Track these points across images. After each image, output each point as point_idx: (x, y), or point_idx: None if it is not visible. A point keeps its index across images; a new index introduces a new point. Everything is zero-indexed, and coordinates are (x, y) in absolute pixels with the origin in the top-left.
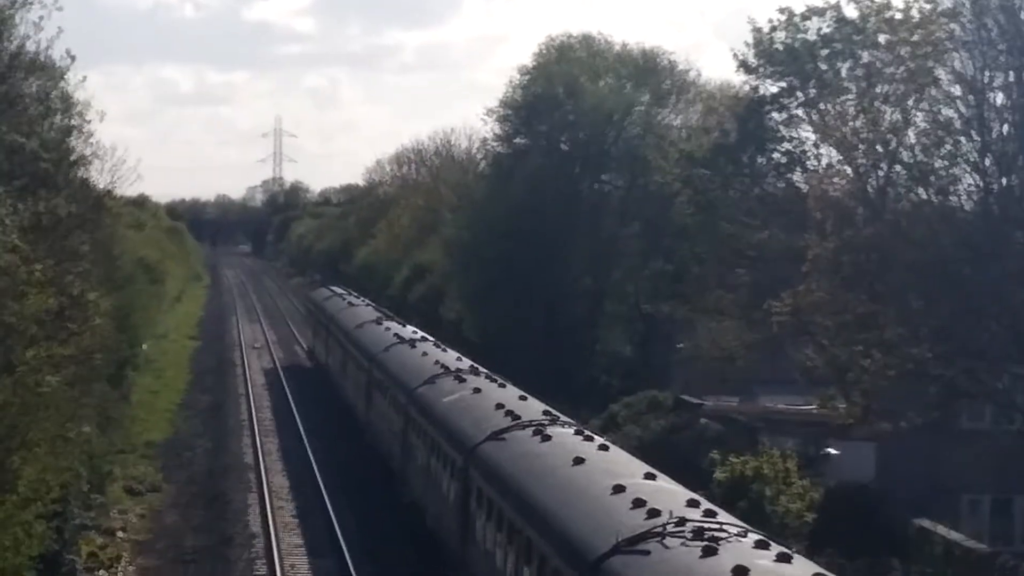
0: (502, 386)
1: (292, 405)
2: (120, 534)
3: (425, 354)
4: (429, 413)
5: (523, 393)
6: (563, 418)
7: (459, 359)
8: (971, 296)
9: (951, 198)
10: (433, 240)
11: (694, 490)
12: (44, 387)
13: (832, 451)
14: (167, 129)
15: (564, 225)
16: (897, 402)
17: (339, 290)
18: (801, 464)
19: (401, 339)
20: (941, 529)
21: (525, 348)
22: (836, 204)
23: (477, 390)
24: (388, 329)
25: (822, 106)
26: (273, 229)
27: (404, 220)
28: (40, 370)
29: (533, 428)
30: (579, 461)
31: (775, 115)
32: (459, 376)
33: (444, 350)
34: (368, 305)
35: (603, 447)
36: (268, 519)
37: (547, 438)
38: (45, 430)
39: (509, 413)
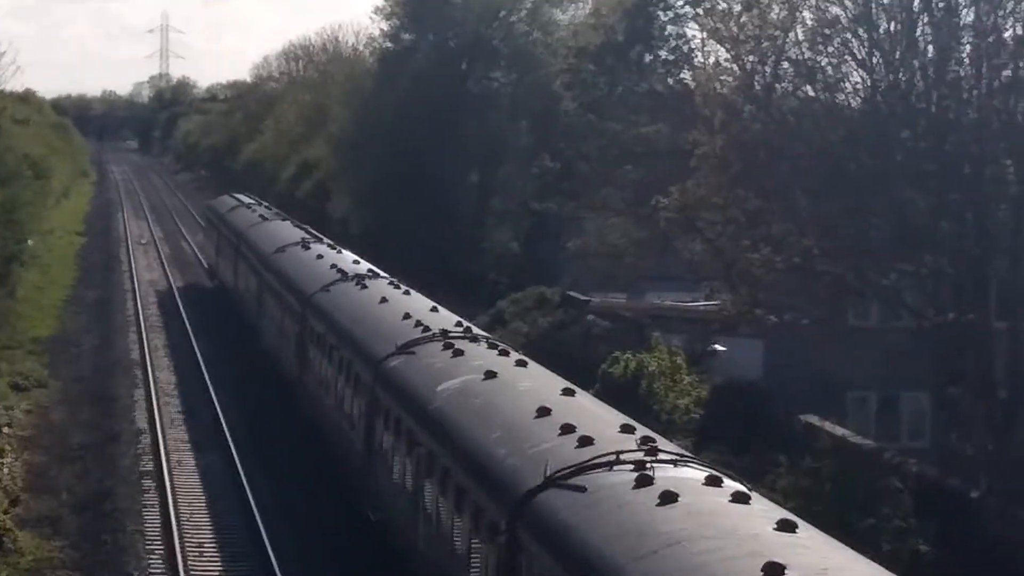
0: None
1: (178, 302)
2: (6, 430)
3: (384, 299)
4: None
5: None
6: (476, 330)
7: (435, 310)
8: (858, 193)
9: (838, 95)
10: (320, 137)
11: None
12: None
13: (719, 348)
14: (54, 24)
15: (451, 122)
16: (784, 297)
17: (245, 199)
18: (688, 361)
19: (344, 275)
20: (828, 425)
21: (412, 245)
22: (723, 101)
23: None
24: (321, 257)
25: (708, 4)
26: (160, 126)
27: (291, 116)
28: None
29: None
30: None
31: (662, 13)
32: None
33: (398, 287)
34: (286, 220)
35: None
36: (154, 415)
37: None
38: None
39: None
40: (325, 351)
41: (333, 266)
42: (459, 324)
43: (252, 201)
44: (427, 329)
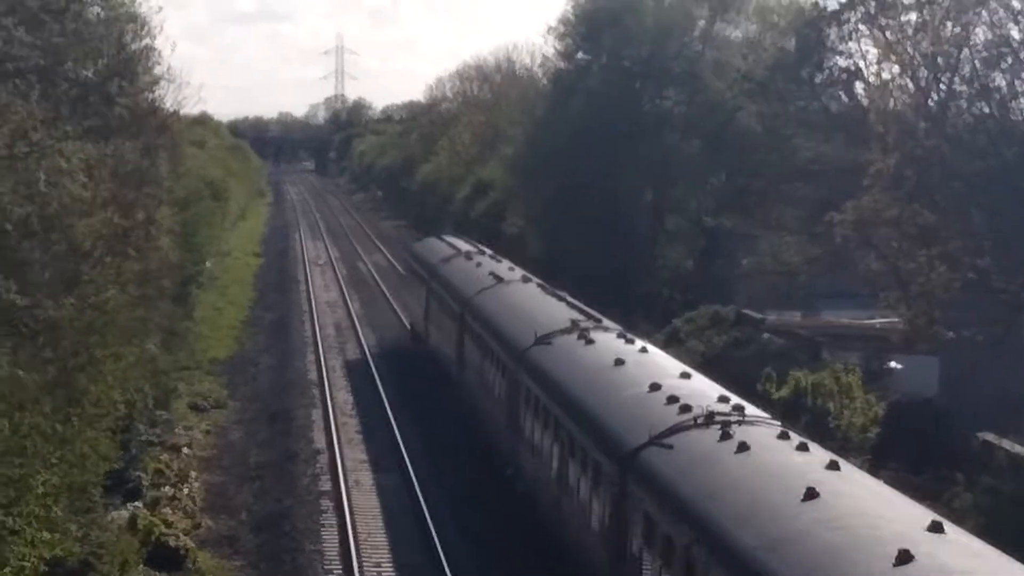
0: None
1: (355, 322)
2: (185, 450)
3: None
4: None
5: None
6: (607, 321)
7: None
8: None
9: (1012, 113)
10: (495, 157)
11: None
12: (109, 305)
13: (895, 365)
14: (228, 47)
15: (625, 141)
16: (961, 314)
17: (463, 244)
18: (864, 378)
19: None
20: (1006, 443)
21: (587, 263)
22: (898, 118)
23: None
24: (621, 364)
25: (883, 21)
26: (335, 146)
27: (466, 137)
28: (105, 288)
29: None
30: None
31: (835, 30)
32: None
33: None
34: (534, 283)
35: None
36: (332, 434)
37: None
38: (111, 348)
39: None
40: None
41: (673, 399)
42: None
43: (472, 248)
44: None
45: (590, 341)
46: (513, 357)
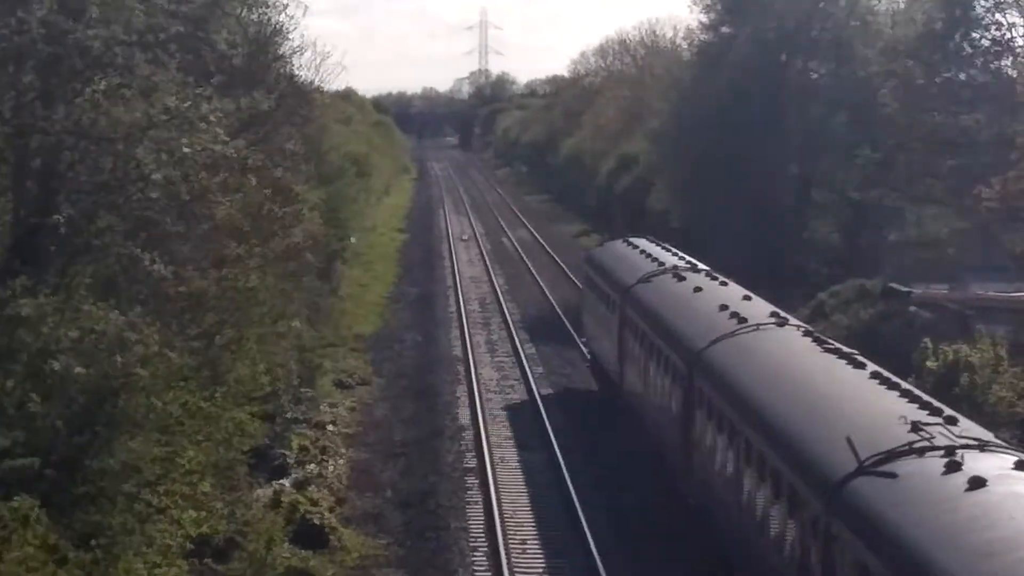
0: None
1: (500, 298)
2: (330, 427)
3: None
4: None
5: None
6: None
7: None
8: None
9: None
10: (639, 131)
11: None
12: (253, 282)
13: None
14: (374, 22)
15: (771, 114)
16: None
17: (663, 253)
18: (1012, 351)
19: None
20: None
21: (732, 237)
22: None
23: None
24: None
25: None
26: (480, 121)
27: (609, 111)
28: (249, 265)
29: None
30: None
31: (982, 0)
32: None
33: None
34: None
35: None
36: (476, 411)
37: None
38: (256, 325)
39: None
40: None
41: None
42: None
43: (679, 260)
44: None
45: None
46: (816, 490)
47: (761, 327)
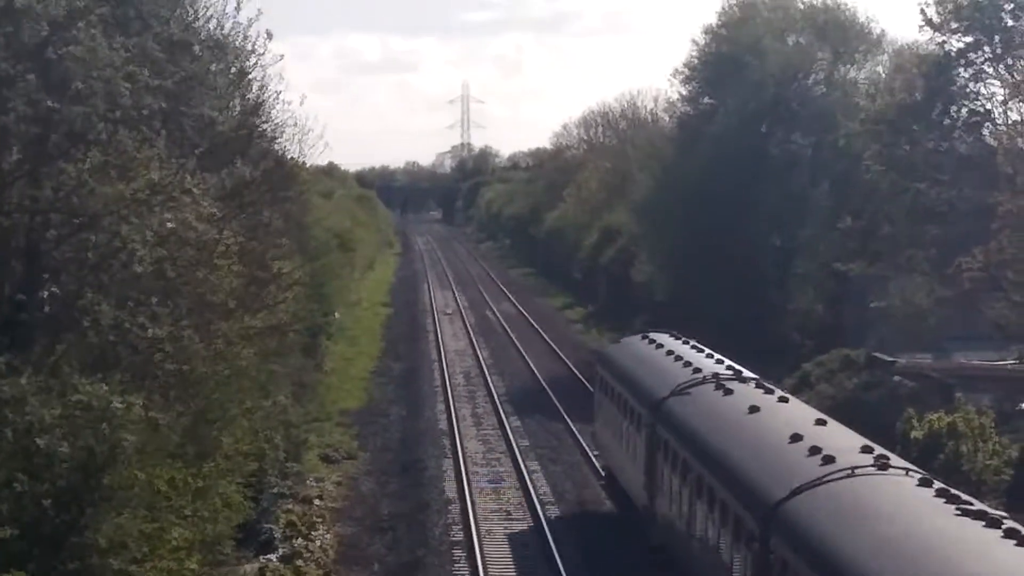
0: None
1: (484, 368)
2: (317, 502)
3: None
4: None
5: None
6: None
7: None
8: None
9: None
10: (622, 202)
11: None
12: (240, 360)
13: None
14: (354, 97)
15: (752, 185)
16: None
17: (697, 356)
18: (997, 421)
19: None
20: None
21: (716, 308)
22: None
23: None
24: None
25: (1010, 61)
26: (462, 195)
27: (592, 183)
28: (236, 343)
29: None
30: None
31: (962, 72)
32: None
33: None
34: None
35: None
36: (463, 484)
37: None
38: (242, 401)
39: None
40: None
41: None
42: (729, 367)
43: (717, 366)
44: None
45: None
46: None
47: (857, 471)
